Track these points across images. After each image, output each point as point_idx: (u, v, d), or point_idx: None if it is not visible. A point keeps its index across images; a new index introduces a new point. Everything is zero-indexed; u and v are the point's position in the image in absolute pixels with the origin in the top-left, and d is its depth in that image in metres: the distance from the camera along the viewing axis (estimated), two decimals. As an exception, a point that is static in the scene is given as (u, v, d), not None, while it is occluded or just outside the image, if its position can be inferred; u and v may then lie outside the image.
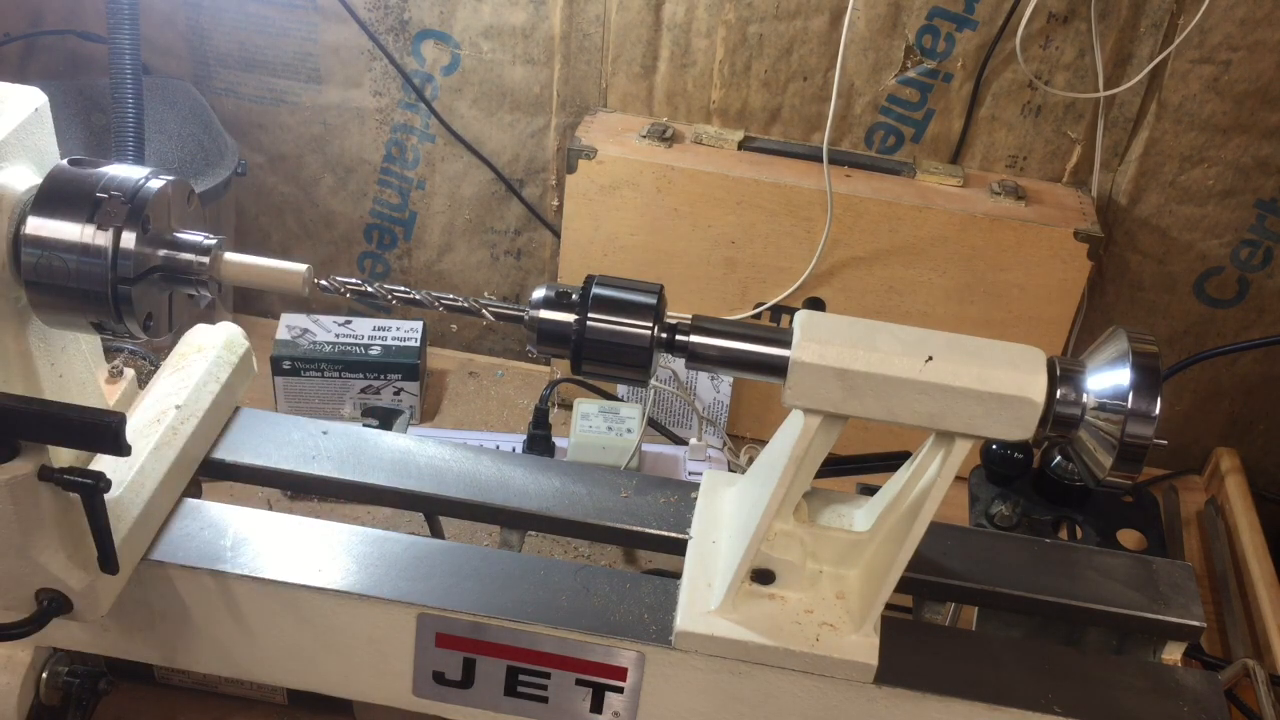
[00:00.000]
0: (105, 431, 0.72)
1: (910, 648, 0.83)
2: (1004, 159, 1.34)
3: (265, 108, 1.45)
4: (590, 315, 0.72)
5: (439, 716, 0.88)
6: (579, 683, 0.83)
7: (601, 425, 1.25)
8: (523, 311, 0.74)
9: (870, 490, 0.85)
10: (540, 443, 1.25)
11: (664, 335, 0.73)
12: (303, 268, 0.75)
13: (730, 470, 1.27)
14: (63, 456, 0.80)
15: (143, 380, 0.95)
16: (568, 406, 1.34)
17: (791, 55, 1.30)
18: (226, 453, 0.93)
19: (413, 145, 1.45)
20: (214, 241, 0.76)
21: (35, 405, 0.73)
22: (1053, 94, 1.28)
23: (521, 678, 0.84)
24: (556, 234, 1.46)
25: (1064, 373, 0.71)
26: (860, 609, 0.80)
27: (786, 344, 0.71)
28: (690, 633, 0.80)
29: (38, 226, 0.72)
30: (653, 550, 0.91)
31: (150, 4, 1.34)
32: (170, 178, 0.75)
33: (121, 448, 0.73)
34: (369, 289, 0.77)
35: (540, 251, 1.51)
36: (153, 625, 0.86)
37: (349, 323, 1.38)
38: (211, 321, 0.99)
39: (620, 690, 0.83)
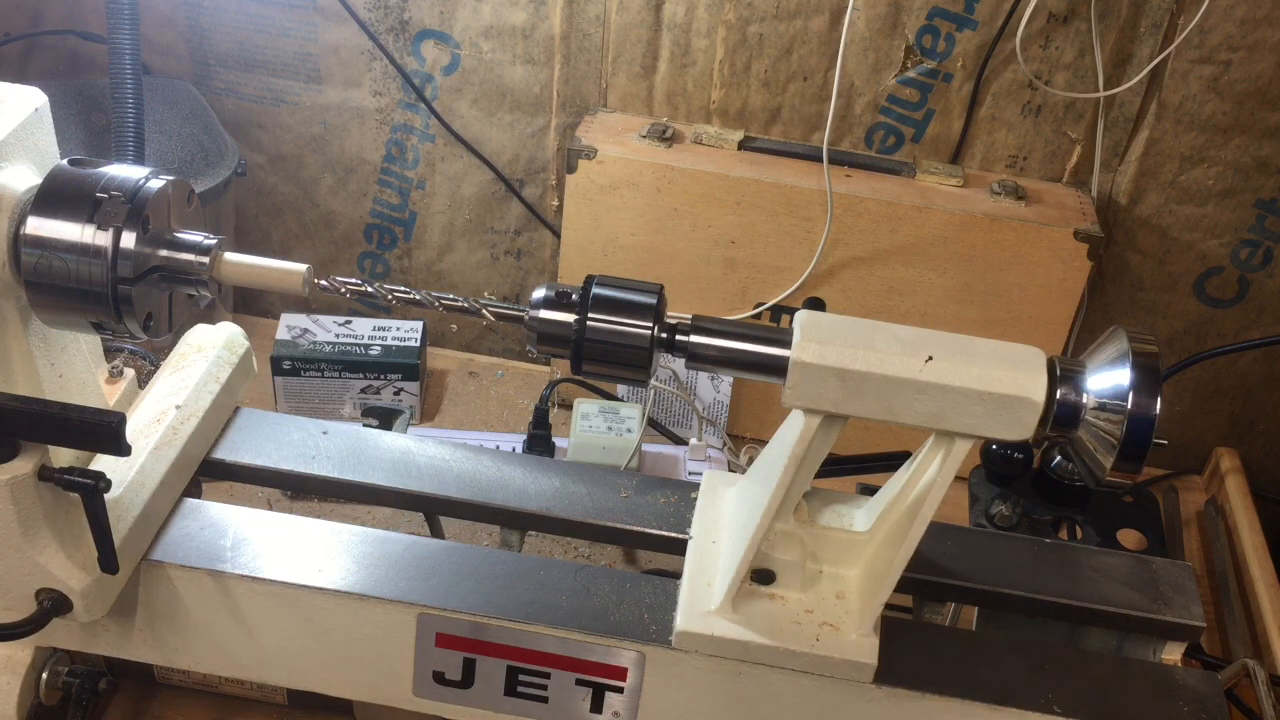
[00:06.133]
0: (105, 431, 0.72)
1: (910, 648, 0.83)
2: (1004, 159, 1.34)
3: (265, 108, 1.45)
4: (590, 315, 0.72)
5: (439, 716, 0.88)
6: (579, 683, 0.83)
7: (601, 425, 1.25)
8: (523, 311, 0.75)
9: (870, 490, 0.85)
10: (540, 443, 1.25)
11: (664, 335, 0.73)
12: (303, 268, 0.75)
13: (730, 470, 1.27)
14: (63, 456, 0.81)
15: (143, 380, 0.95)
16: (568, 406, 1.34)
17: (791, 55, 1.30)
18: (226, 453, 0.93)
19: (413, 145, 1.45)
20: (214, 241, 0.76)
21: (35, 405, 0.73)
22: (1053, 94, 1.28)
23: (521, 678, 0.84)
24: (556, 234, 1.46)
25: (1064, 373, 0.71)
26: (860, 609, 0.80)
27: (786, 344, 0.71)
28: (690, 633, 0.80)
29: (38, 226, 0.72)
30: (653, 550, 0.91)
31: (150, 4, 1.34)
32: (170, 178, 0.75)
33: (121, 448, 0.73)
34: (369, 289, 0.77)
35: (540, 251, 1.51)
36: (153, 625, 0.86)
37: (349, 323, 1.38)
38: (211, 321, 0.99)
39: (620, 690, 0.83)
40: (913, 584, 0.88)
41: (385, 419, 1.16)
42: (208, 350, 0.95)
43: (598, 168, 1.28)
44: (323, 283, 0.76)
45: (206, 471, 0.93)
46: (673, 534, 0.89)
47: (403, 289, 0.77)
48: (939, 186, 1.29)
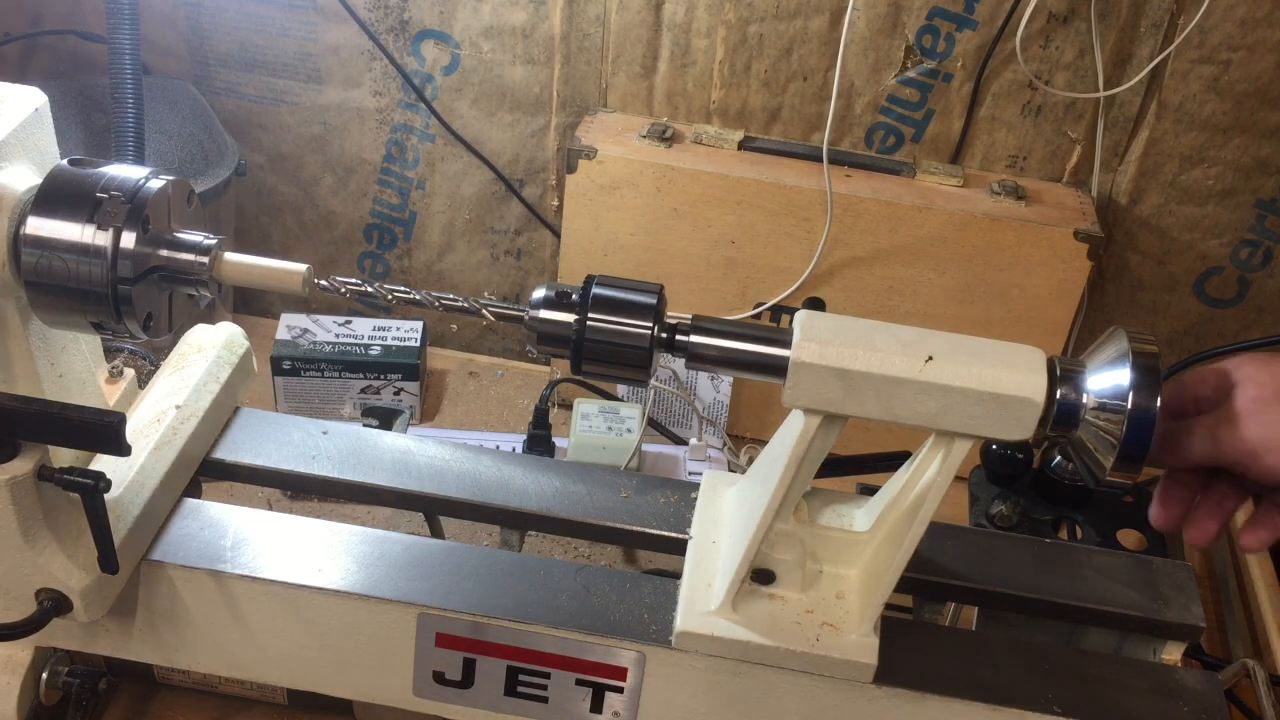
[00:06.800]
0: (105, 431, 0.72)
1: (910, 648, 0.83)
2: (1004, 159, 1.34)
3: (265, 108, 1.45)
4: (590, 315, 0.72)
5: (439, 716, 0.88)
6: (579, 683, 0.83)
7: (601, 425, 1.25)
8: (523, 311, 0.74)
9: (870, 490, 0.85)
10: (540, 443, 1.25)
11: (664, 335, 0.73)
12: (303, 268, 0.75)
13: (730, 470, 1.27)
14: (63, 456, 0.81)
15: (143, 380, 0.95)
16: (568, 406, 1.34)
17: (791, 55, 1.30)
18: (226, 453, 0.93)
19: (413, 145, 1.45)
20: (214, 241, 0.76)
21: (35, 405, 0.73)
22: (1053, 94, 1.28)
23: (521, 678, 0.84)
24: (556, 234, 1.46)
25: (1064, 373, 0.71)
26: (860, 609, 0.80)
27: (786, 344, 0.71)
28: (690, 633, 0.79)
29: (38, 226, 0.72)
30: (653, 550, 0.91)
31: (150, 4, 1.34)
32: (170, 178, 0.75)
33: (121, 448, 0.73)
34: (369, 289, 0.77)
35: (540, 251, 1.51)
36: (153, 625, 0.86)
37: (349, 323, 1.38)
38: (211, 321, 0.99)
39: (620, 690, 0.83)
40: (913, 584, 0.88)
41: (385, 419, 1.16)
42: (208, 350, 0.95)
43: (598, 168, 1.28)
44: (323, 283, 0.76)
45: (206, 471, 0.92)
46: (673, 534, 0.89)
47: (403, 289, 0.77)
48: (939, 186, 1.29)
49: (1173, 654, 0.88)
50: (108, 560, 0.77)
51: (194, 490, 0.91)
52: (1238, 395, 0.71)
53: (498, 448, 1.19)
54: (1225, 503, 0.76)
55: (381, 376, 1.35)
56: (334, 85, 1.42)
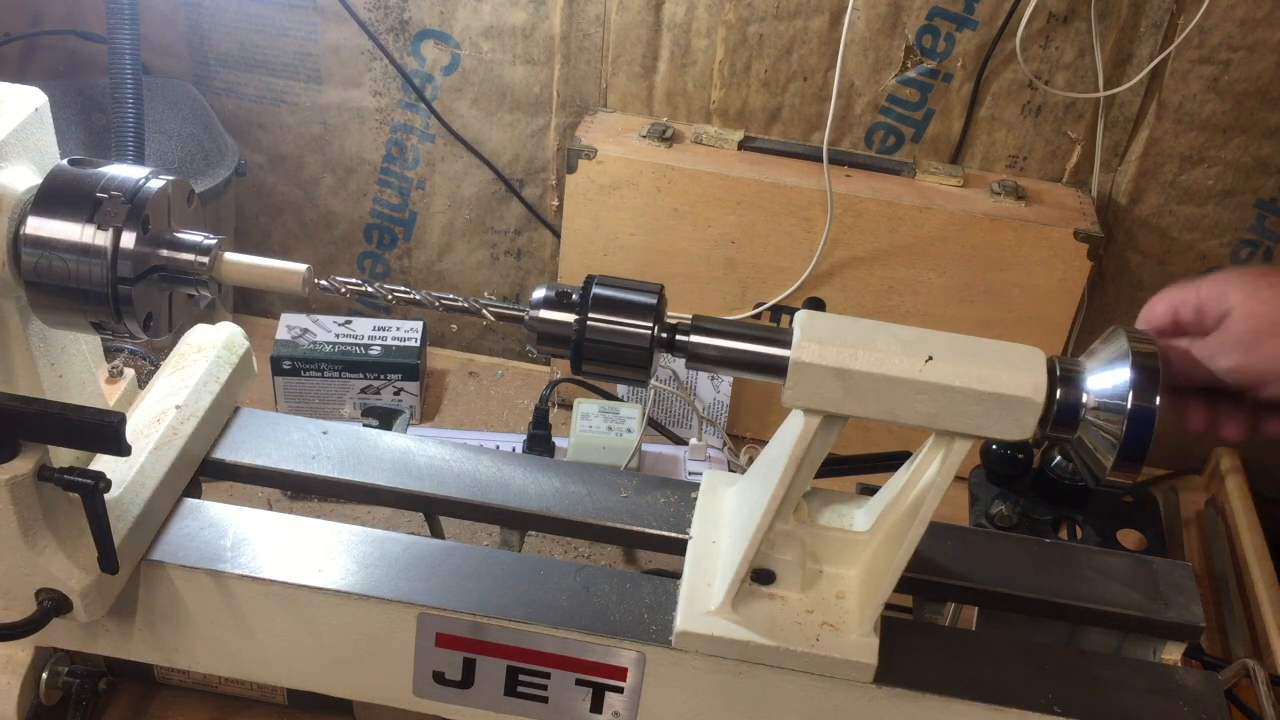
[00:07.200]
0: (105, 431, 0.72)
1: (910, 648, 0.83)
2: (1004, 159, 1.34)
3: (265, 108, 1.45)
4: (590, 315, 0.72)
5: (439, 716, 0.88)
6: (579, 683, 0.83)
7: (601, 425, 1.25)
8: (523, 312, 0.74)
9: (870, 490, 0.85)
10: (540, 443, 1.25)
11: (664, 335, 0.73)
12: (303, 268, 0.75)
13: (730, 470, 1.27)
14: (63, 456, 0.81)
15: (143, 380, 0.95)
16: (568, 406, 1.34)
17: (791, 55, 1.30)
18: (226, 453, 0.93)
19: (413, 145, 1.45)
20: (214, 241, 0.76)
21: (35, 405, 0.73)
22: (1053, 94, 1.28)
23: (521, 678, 0.84)
24: (556, 234, 1.46)
25: (1064, 373, 0.71)
26: (860, 609, 0.80)
27: (786, 344, 0.71)
28: (690, 633, 0.80)
29: (38, 226, 0.72)
30: (653, 550, 0.91)
31: (150, 4, 1.34)
32: (170, 178, 0.75)
33: (121, 448, 0.73)
34: (369, 289, 0.77)
35: (540, 251, 1.51)
36: (153, 625, 0.86)
37: (349, 323, 1.38)
38: (211, 321, 0.99)
39: (620, 690, 0.83)
40: (913, 584, 0.88)
41: (385, 419, 1.16)
42: (208, 350, 0.95)
43: (598, 168, 1.28)
44: (323, 283, 0.76)
45: (206, 471, 0.92)
46: (673, 534, 0.89)
47: (403, 289, 0.77)
48: (939, 186, 1.29)
49: (1173, 654, 0.88)
50: (108, 560, 0.77)
51: (194, 490, 0.91)
52: (1231, 326, 0.71)
53: (498, 448, 1.19)
54: (1239, 397, 0.75)
55: (381, 376, 1.35)
56: (334, 85, 1.42)
